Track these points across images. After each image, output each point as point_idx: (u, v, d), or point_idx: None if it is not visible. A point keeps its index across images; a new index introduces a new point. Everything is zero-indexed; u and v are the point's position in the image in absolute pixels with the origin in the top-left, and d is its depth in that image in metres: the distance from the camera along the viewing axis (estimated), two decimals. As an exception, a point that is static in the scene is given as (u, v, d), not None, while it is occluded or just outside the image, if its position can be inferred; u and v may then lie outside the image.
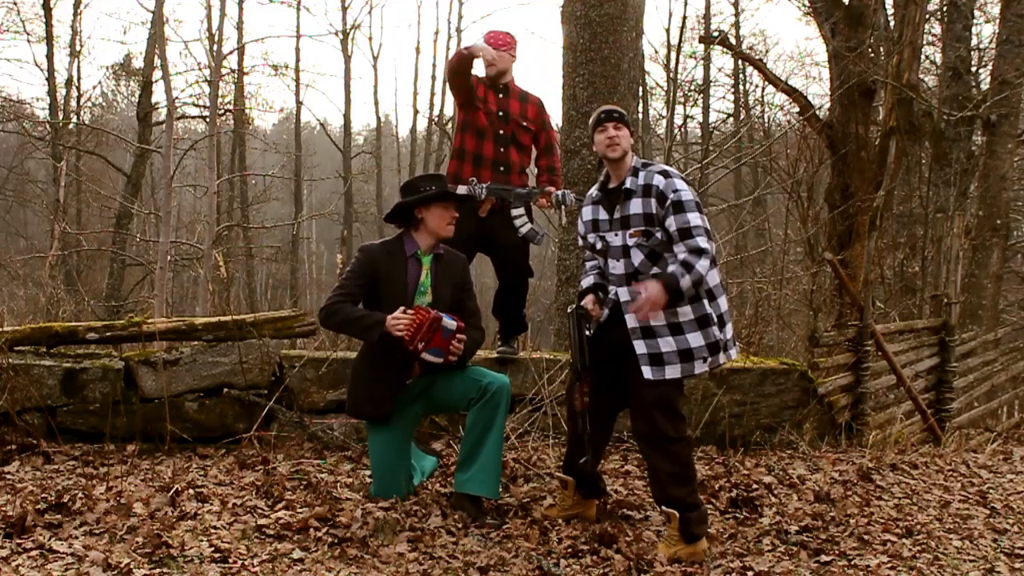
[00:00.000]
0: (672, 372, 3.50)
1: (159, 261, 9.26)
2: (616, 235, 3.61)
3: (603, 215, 3.68)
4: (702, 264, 3.43)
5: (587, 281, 3.77)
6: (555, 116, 5.73)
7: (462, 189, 4.52)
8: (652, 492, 3.71)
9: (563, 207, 4.61)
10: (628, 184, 3.60)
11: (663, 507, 3.58)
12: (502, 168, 4.63)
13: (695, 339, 3.50)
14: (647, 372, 3.51)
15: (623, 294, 3.58)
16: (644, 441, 3.61)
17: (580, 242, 3.87)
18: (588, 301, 3.68)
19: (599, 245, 3.68)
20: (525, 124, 4.69)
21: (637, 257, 3.56)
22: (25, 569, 2.95)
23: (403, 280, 3.73)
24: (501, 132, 4.64)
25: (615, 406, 3.81)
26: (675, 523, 3.52)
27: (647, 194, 3.55)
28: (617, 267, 3.61)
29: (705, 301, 3.53)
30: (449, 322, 3.61)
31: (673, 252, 3.51)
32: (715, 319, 3.54)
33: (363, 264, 3.74)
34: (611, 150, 3.61)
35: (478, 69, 4.67)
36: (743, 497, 4.23)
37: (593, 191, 3.80)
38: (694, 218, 3.48)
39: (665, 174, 3.57)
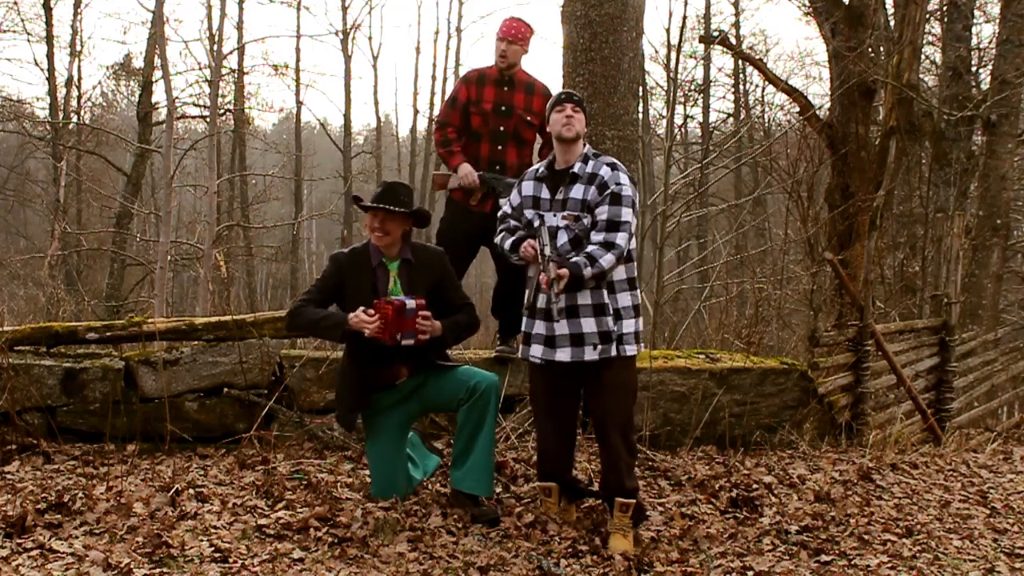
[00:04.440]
0: (562, 355, 3.59)
1: (159, 261, 9.27)
2: (555, 216, 3.67)
3: (545, 194, 3.73)
4: (607, 259, 3.53)
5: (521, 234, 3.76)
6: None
7: (453, 181, 4.61)
8: (608, 484, 3.68)
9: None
10: (576, 169, 3.66)
11: (618, 498, 3.60)
12: (497, 168, 4.65)
13: (588, 324, 3.58)
14: (536, 351, 3.63)
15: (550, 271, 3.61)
16: (610, 428, 3.63)
17: (508, 210, 3.86)
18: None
19: (536, 223, 3.69)
20: (529, 118, 4.65)
21: (562, 239, 3.62)
22: (25, 569, 2.95)
23: (370, 291, 3.72)
24: (501, 129, 4.63)
25: (575, 409, 3.85)
26: (630, 512, 3.60)
27: (591, 182, 3.63)
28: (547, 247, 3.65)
29: (604, 291, 3.62)
30: (409, 302, 3.61)
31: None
32: (611, 311, 3.62)
33: (330, 274, 3.78)
34: (566, 128, 3.65)
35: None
36: (743, 497, 4.23)
37: (539, 167, 3.82)
38: (626, 214, 3.59)
39: (613, 166, 3.67)
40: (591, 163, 3.68)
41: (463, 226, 4.69)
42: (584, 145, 3.75)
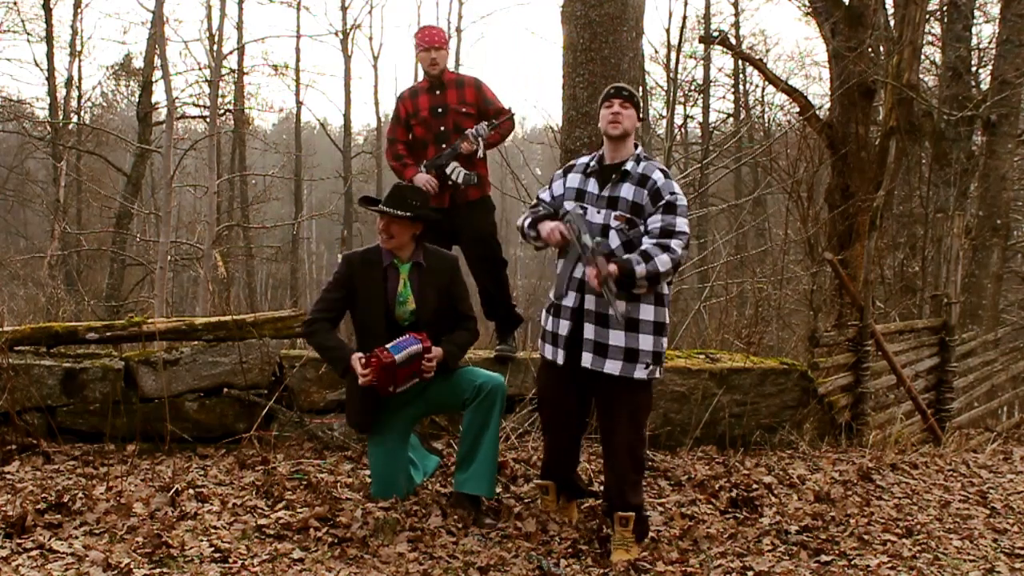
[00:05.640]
0: (612, 368, 3.45)
1: (159, 261, 9.26)
2: (599, 213, 3.52)
3: (593, 188, 3.58)
4: (663, 260, 3.35)
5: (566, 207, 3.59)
6: (555, 116, 5.73)
7: (419, 180, 4.61)
8: (610, 498, 3.63)
9: (479, 139, 4.59)
10: (628, 167, 3.54)
11: (619, 513, 3.53)
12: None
13: (645, 342, 3.46)
14: (586, 360, 3.47)
15: (591, 274, 3.45)
16: (619, 445, 3.55)
17: (545, 198, 3.70)
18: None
19: (571, 208, 3.56)
20: (465, 110, 4.69)
21: (615, 241, 3.48)
22: (25, 569, 2.95)
23: (380, 292, 3.72)
24: (442, 129, 4.69)
25: (585, 409, 3.80)
26: (631, 526, 3.52)
27: (642, 184, 3.50)
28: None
29: (666, 309, 3.50)
30: (414, 347, 3.57)
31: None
32: (666, 330, 3.53)
33: (341, 276, 3.77)
34: (612, 126, 3.54)
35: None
36: (743, 497, 4.23)
37: (590, 160, 3.67)
38: (681, 223, 3.45)
39: (665, 173, 3.54)
40: (643, 164, 3.54)
41: (429, 228, 4.70)
42: (636, 145, 3.63)
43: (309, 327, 3.78)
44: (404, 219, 3.67)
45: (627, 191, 3.51)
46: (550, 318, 3.65)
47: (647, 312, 3.46)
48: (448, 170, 4.58)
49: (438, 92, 4.73)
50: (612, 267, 3.32)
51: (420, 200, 3.74)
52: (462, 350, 3.84)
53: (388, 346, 3.56)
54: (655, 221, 3.44)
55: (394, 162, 4.80)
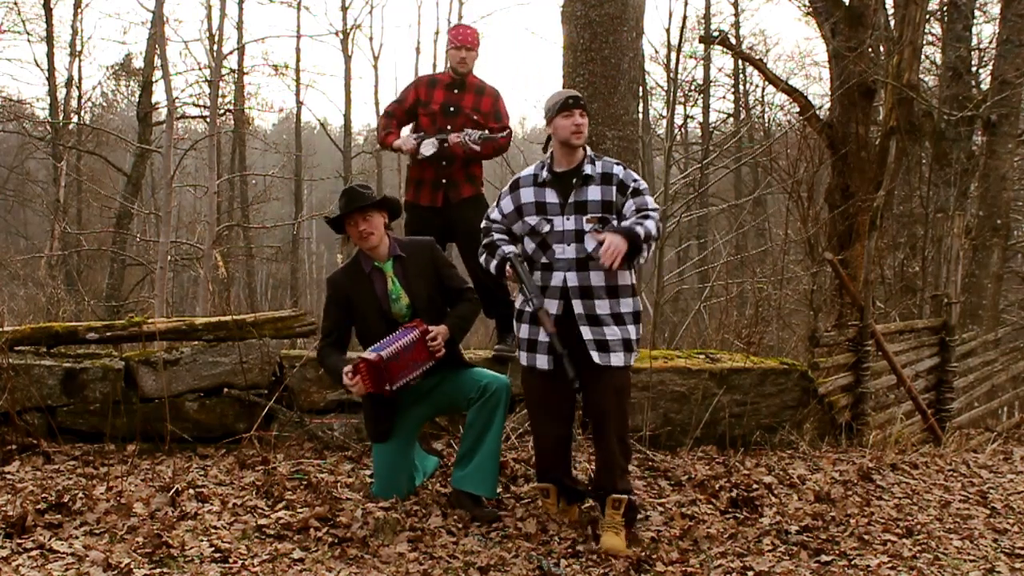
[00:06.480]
0: (617, 360, 3.60)
1: (159, 261, 9.26)
2: (568, 219, 3.62)
3: (552, 198, 3.66)
4: (648, 224, 3.53)
5: (510, 248, 3.72)
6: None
7: (398, 143, 4.71)
8: (601, 482, 3.71)
9: (468, 143, 4.61)
10: (587, 170, 3.64)
11: (612, 496, 3.62)
12: (444, 163, 4.69)
13: (633, 331, 3.64)
14: (595, 357, 3.58)
15: (571, 279, 3.59)
16: (608, 431, 3.64)
17: (496, 216, 3.80)
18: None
19: (545, 228, 3.65)
20: (476, 117, 4.72)
21: (591, 243, 3.58)
22: (25, 569, 2.95)
23: (372, 297, 3.75)
24: (448, 128, 4.69)
25: (573, 410, 3.88)
26: (622, 509, 3.61)
27: (607, 182, 3.63)
28: (567, 251, 3.61)
29: (637, 299, 3.68)
30: (405, 339, 3.59)
31: None
32: (641, 317, 3.70)
33: (333, 298, 3.81)
34: (576, 136, 3.64)
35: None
36: (743, 497, 4.23)
37: (541, 172, 3.73)
38: (651, 202, 3.67)
39: (623, 166, 3.71)
40: (599, 163, 3.68)
41: (423, 226, 4.72)
42: (585, 147, 3.73)
43: (318, 355, 3.87)
44: (373, 210, 3.71)
45: (594, 192, 3.63)
46: (526, 326, 3.72)
47: (627, 305, 3.63)
48: (424, 148, 4.62)
49: (456, 91, 4.74)
50: (615, 238, 3.42)
51: (369, 189, 3.80)
52: (465, 320, 3.85)
53: (371, 347, 3.59)
54: (629, 206, 3.63)
55: (381, 132, 4.84)
